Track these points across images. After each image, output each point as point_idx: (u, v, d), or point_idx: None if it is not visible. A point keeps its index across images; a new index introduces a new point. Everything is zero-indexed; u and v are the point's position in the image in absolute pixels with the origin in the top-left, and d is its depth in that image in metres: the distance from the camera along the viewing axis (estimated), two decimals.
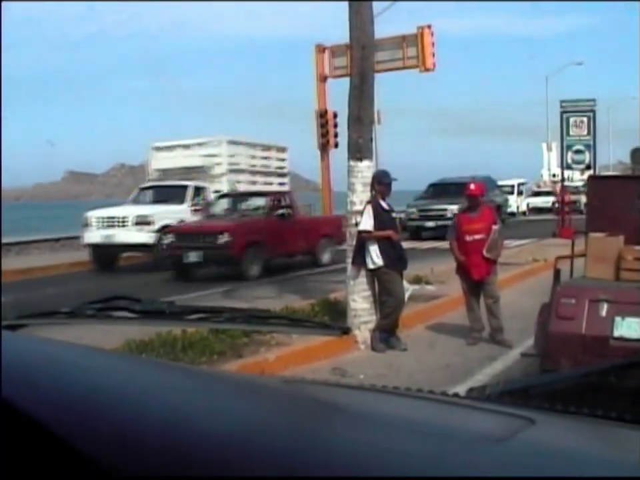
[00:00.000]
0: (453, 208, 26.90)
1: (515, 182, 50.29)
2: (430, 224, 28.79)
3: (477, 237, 9.91)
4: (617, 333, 6.75)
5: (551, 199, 49.60)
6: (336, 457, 0.96)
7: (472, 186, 10.39)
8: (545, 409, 1.48)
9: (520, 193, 50.86)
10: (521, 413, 1.33)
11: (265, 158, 25.95)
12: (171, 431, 0.94)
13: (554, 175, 48.69)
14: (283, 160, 26.82)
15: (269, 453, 0.93)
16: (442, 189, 30.26)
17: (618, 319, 6.78)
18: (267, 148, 26.20)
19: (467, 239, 9.95)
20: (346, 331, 2.35)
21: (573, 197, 44.92)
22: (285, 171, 26.82)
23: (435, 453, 1.04)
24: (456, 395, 1.65)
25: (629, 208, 7.80)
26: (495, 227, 10.11)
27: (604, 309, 6.85)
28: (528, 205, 51.74)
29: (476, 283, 9.99)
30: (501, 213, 28.94)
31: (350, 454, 0.98)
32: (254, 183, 24.81)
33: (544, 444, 1.17)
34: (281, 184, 26.08)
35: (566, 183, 41.42)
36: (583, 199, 35.93)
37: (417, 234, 29.01)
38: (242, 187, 23.36)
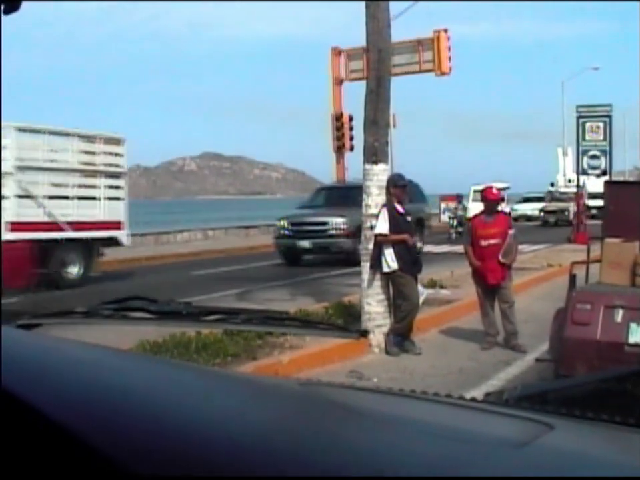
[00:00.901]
0: (338, 221, 21.35)
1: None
2: (304, 243, 21.64)
3: (493, 241, 9.88)
4: (632, 339, 6.72)
5: (542, 205, 45.76)
6: (352, 459, 0.96)
7: (494, 190, 10.39)
8: (563, 415, 1.47)
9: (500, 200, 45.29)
10: (539, 418, 1.33)
11: (87, 152, 18.99)
12: (184, 432, 0.94)
13: (569, 180, 47.54)
14: (117, 155, 19.69)
15: (284, 454, 0.93)
16: (336, 195, 23.17)
17: (633, 325, 6.74)
18: (88, 139, 19.17)
19: (483, 244, 9.93)
20: (363, 333, 2.35)
21: (562, 205, 41.96)
22: (119, 169, 19.63)
23: (454, 456, 1.03)
24: (473, 399, 1.64)
25: None
26: (510, 232, 10.09)
27: (619, 315, 6.82)
28: (510, 213, 46.53)
29: (491, 287, 9.96)
30: (424, 228, 24.16)
31: (367, 456, 0.97)
32: (64, 185, 18.23)
33: (564, 450, 1.16)
34: (113, 187, 19.34)
35: (552, 189, 39.81)
36: (572, 208, 34.83)
37: (291, 257, 22.07)
38: (43, 191, 17.56)
